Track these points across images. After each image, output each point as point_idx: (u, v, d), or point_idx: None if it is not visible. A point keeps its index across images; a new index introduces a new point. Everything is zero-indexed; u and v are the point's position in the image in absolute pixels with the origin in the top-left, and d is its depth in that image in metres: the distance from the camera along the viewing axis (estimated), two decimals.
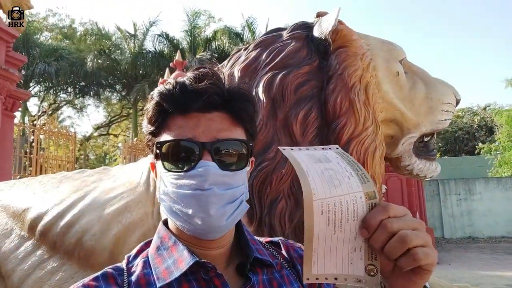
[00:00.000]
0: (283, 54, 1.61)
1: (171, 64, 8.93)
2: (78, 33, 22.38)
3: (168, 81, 0.74)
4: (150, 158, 0.78)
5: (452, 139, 23.22)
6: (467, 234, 13.76)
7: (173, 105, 0.71)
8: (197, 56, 17.89)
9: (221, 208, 0.67)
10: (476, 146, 18.51)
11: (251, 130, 0.76)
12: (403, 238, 0.58)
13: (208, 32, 21.27)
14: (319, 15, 1.81)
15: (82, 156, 26.19)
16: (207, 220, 0.66)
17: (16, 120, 7.54)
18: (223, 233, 0.70)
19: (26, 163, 9.43)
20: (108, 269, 0.71)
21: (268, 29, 2.40)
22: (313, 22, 1.77)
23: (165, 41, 20.26)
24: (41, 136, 9.07)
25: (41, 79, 20.44)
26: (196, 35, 20.33)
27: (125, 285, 0.67)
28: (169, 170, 0.70)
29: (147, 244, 0.76)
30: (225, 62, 1.76)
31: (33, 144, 8.80)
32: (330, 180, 0.61)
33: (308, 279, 0.61)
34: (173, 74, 7.24)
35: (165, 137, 0.71)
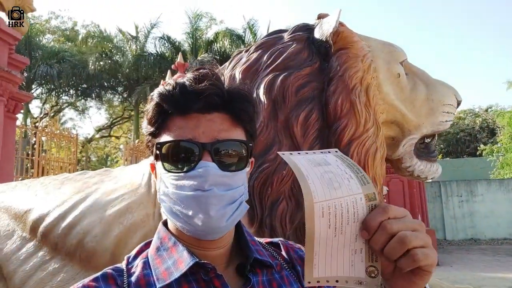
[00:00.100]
0: (284, 56, 1.61)
1: (172, 66, 8.92)
2: (80, 36, 22.36)
3: (168, 82, 0.74)
4: (151, 159, 0.78)
5: (454, 141, 23.15)
6: (469, 236, 13.69)
7: (173, 106, 0.71)
8: (199, 58, 17.87)
9: (221, 209, 0.67)
10: (478, 148, 18.46)
11: (251, 130, 0.76)
12: (402, 239, 0.58)
13: (210, 34, 21.27)
14: (320, 17, 1.82)
15: (84, 158, 26.25)
16: (207, 221, 0.66)
17: (18, 122, 7.55)
18: (223, 234, 0.70)
19: (28, 165, 9.44)
20: (108, 269, 0.71)
21: (270, 31, 2.40)
22: (314, 24, 1.77)
23: (166, 43, 20.28)
24: (43, 138, 9.07)
25: (43, 81, 20.47)
26: (198, 37, 20.34)
27: (125, 286, 0.67)
28: (169, 171, 0.70)
29: (147, 245, 0.76)
30: (227, 64, 1.77)
31: (35, 146, 8.81)
32: (330, 183, 0.61)
33: (309, 282, 0.61)
34: (175, 76, 7.23)
35: (165, 138, 0.71)
